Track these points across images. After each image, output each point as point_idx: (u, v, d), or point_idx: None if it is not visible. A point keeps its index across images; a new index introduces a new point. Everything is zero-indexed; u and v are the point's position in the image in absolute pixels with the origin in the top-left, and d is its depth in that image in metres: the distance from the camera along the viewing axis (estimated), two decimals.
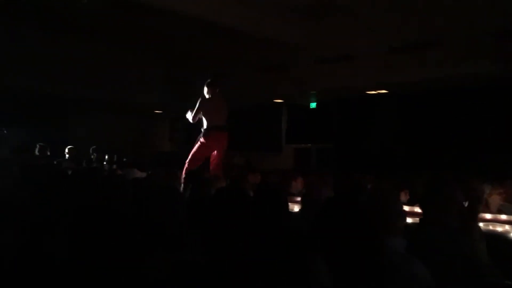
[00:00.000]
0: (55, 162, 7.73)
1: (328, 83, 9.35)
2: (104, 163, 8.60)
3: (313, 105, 11.14)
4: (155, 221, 1.91)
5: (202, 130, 6.04)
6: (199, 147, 6.04)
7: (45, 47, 10.21)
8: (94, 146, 9.48)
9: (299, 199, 6.10)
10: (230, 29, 8.41)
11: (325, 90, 9.79)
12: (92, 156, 9.15)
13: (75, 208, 1.80)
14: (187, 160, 6.04)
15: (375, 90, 9.48)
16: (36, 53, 10.03)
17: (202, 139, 6.01)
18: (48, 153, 8.22)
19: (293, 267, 1.64)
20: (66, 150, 8.76)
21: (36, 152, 8.09)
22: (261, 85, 10.62)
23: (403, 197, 4.99)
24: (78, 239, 1.63)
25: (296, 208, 4.94)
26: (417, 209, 5.27)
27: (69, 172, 6.01)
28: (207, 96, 6.09)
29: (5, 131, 7.16)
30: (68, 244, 1.66)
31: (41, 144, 8.23)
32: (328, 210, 1.56)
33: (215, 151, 6.14)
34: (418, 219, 4.40)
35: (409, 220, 3.88)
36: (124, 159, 9.78)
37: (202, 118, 6.05)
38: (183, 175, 5.88)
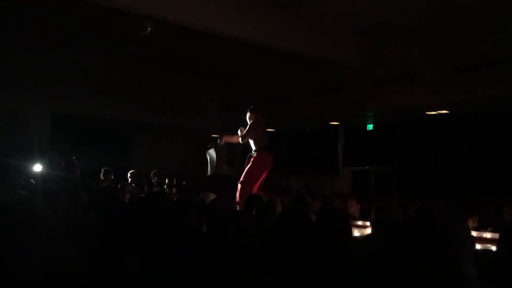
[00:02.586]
0: (118, 186, 8.03)
1: (387, 104, 9.16)
2: (165, 186, 8.83)
3: (370, 126, 10.93)
4: (231, 245, 1.93)
5: (253, 151, 6.23)
6: (254, 168, 6.13)
7: (109, 74, 10.59)
8: (154, 170, 9.76)
9: (359, 222, 6.03)
10: (286, 52, 8.47)
11: (384, 111, 9.59)
12: (153, 180, 9.42)
13: (155, 230, 1.85)
14: (241, 182, 6.11)
15: (435, 111, 9.17)
16: (99, 80, 10.38)
17: (256, 159, 6.14)
18: (112, 177, 8.56)
19: None
20: (129, 174, 9.09)
21: (101, 176, 8.45)
22: (317, 107, 10.57)
23: (471, 223, 4.78)
24: (156, 260, 1.68)
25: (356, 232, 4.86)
26: (486, 235, 5.04)
27: (128, 196, 6.25)
28: (249, 121, 6.34)
29: (73, 157, 7.56)
30: (145, 264, 1.71)
31: (105, 168, 8.59)
32: (402, 234, 1.51)
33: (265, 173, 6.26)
34: (487, 245, 4.20)
35: (478, 246, 3.70)
36: (184, 183, 10.02)
37: (249, 140, 6.27)
38: (238, 198, 5.95)
